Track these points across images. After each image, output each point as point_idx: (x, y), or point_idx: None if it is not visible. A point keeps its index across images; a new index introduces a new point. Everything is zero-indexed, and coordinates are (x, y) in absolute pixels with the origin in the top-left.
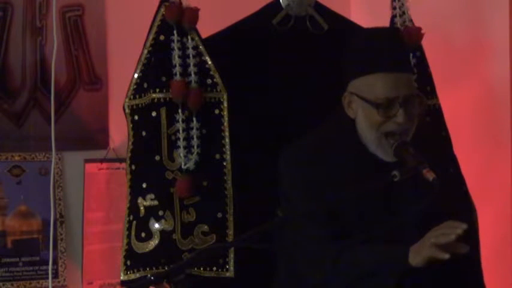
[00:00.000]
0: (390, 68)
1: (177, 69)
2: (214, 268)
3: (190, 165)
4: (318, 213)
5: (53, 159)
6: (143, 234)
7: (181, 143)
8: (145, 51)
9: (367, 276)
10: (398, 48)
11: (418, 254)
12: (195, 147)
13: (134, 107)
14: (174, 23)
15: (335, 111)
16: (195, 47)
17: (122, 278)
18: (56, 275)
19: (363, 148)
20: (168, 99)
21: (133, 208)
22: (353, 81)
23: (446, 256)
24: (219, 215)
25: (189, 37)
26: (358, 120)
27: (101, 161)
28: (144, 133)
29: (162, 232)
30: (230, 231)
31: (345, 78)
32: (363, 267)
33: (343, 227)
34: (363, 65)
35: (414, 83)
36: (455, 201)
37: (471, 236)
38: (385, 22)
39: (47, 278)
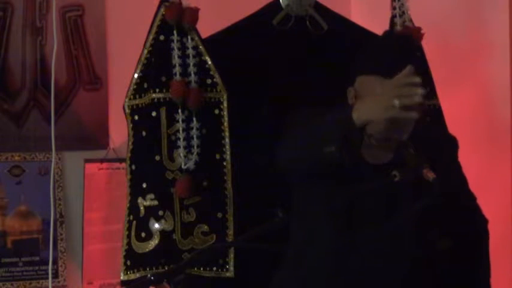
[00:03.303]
0: (391, 74)
1: (177, 69)
2: (214, 268)
3: (190, 165)
4: None
5: (53, 159)
6: (143, 234)
7: (181, 143)
8: (145, 51)
9: (310, 139)
10: (405, 56)
11: (373, 113)
12: (195, 147)
13: (134, 107)
14: (174, 23)
15: (342, 103)
16: (195, 47)
17: (122, 278)
18: (56, 275)
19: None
20: (168, 99)
21: (133, 208)
22: (359, 78)
23: (415, 115)
24: (219, 215)
25: (189, 37)
26: None
27: (101, 161)
28: (144, 133)
29: (162, 232)
30: (230, 231)
31: (355, 73)
32: (306, 131)
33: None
34: (368, 64)
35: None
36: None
37: (474, 236)
38: (385, 22)
39: (47, 278)
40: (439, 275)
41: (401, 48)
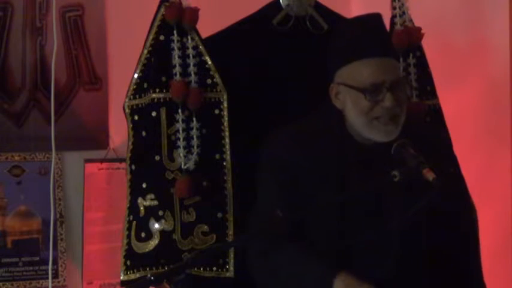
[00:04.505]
0: (374, 54)
1: (177, 69)
2: (214, 268)
3: (190, 165)
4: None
5: (53, 159)
6: (143, 234)
7: (181, 143)
8: (145, 51)
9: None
10: (380, 33)
11: None
12: (195, 147)
13: (134, 107)
14: (174, 23)
15: (322, 103)
16: (195, 47)
17: (121, 278)
18: (56, 275)
19: (350, 138)
20: (168, 99)
21: (133, 208)
22: (339, 71)
23: None
24: (219, 215)
25: (189, 37)
26: (347, 109)
27: (101, 161)
28: (144, 133)
29: (162, 232)
30: (230, 231)
31: (331, 70)
32: (287, 278)
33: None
34: (347, 53)
35: (400, 68)
36: (455, 201)
37: (472, 237)
38: (385, 22)
39: (47, 278)
40: (434, 272)
41: (367, 25)
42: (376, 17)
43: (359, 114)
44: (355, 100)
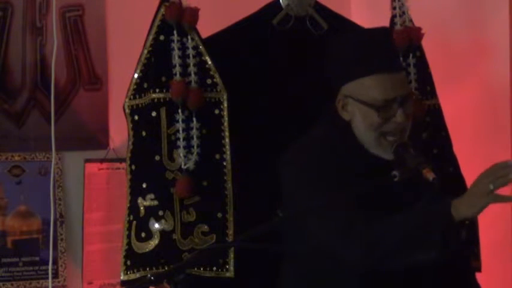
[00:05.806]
0: (385, 69)
1: (177, 69)
2: (214, 268)
3: (190, 165)
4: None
5: (53, 159)
6: (143, 234)
7: (181, 143)
8: (145, 51)
9: (406, 241)
10: (389, 48)
11: (472, 206)
12: (195, 147)
13: (134, 107)
14: (174, 23)
15: (327, 113)
16: (195, 47)
17: (122, 278)
18: (56, 275)
19: (361, 148)
20: (168, 99)
21: (133, 208)
22: (347, 85)
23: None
24: (219, 215)
25: (189, 37)
26: (355, 122)
27: (101, 161)
28: (144, 133)
29: (162, 232)
30: (230, 231)
31: (336, 82)
32: (399, 232)
33: None
34: (357, 67)
35: (407, 81)
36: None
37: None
38: (385, 22)
39: (47, 278)
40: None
41: (375, 39)
42: (383, 31)
43: (369, 128)
44: (365, 115)
